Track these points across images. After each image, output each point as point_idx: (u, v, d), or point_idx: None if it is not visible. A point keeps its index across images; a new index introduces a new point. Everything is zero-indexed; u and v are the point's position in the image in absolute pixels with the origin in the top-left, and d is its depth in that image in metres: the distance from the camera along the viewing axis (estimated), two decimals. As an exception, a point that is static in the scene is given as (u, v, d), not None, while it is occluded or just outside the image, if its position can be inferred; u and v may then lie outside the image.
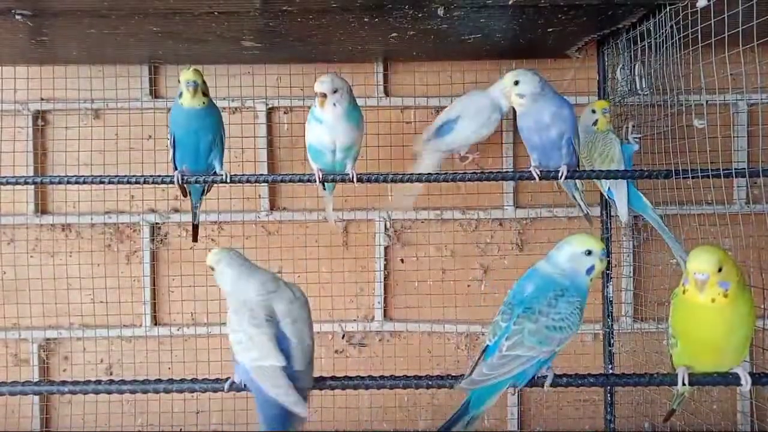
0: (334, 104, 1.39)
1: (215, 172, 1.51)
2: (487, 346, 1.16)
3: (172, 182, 1.46)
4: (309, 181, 1.45)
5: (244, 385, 1.15)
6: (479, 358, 1.15)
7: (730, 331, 1.12)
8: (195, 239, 1.70)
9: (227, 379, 1.18)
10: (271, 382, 1.11)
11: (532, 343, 1.12)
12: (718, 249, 1.11)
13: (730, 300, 1.08)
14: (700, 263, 1.08)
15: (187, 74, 1.44)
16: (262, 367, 1.12)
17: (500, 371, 1.12)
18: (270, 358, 1.11)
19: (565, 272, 1.17)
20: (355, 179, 1.42)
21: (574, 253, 1.17)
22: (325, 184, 1.50)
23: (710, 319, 1.11)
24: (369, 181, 1.45)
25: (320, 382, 1.19)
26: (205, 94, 1.47)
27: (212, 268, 1.24)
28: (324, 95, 1.38)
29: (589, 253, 1.16)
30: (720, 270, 1.08)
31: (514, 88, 1.39)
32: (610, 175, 1.45)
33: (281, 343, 1.12)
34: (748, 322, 1.12)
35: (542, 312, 1.13)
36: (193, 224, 1.68)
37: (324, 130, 1.42)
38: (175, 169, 1.50)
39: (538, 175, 1.40)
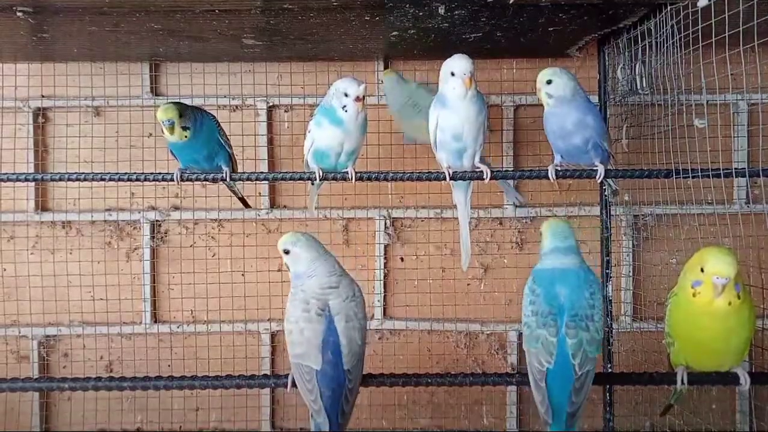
0: (361, 110, 1.38)
1: (220, 167, 1.51)
2: (548, 369, 1.08)
3: (172, 180, 1.46)
4: (309, 179, 1.45)
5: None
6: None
7: (737, 333, 1.12)
8: (247, 205, 1.77)
9: (228, 376, 1.18)
10: (304, 384, 1.11)
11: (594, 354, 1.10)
12: (731, 250, 1.09)
13: (741, 302, 1.08)
14: (723, 267, 1.06)
15: (160, 113, 1.41)
16: (300, 365, 1.12)
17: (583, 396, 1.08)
18: (309, 359, 1.11)
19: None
20: (354, 178, 1.42)
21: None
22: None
23: (723, 323, 1.10)
24: (368, 179, 1.45)
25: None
26: (186, 127, 1.42)
27: (286, 252, 1.20)
28: (363, 99, 1.37)
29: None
30: (737, 273, 1.06)
31: (546, 86, 1.37)
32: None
33: (329, 340, 1.12)
34: (751, 323, 1.13)
35: (589, 316, 1.10)
36: (238, 197, 1.72)
37: (339, 133, 1.39)
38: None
39: (554, 175, 1.39)
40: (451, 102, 1.35)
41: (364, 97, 1.37)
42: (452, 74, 1.33)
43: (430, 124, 1.40)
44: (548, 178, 1.40)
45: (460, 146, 1.37)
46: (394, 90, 1.67)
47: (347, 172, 1.42)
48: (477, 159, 1.40)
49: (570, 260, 1.17)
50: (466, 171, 1.40)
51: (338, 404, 1.11)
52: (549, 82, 1.37)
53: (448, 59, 1.36)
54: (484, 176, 1.38)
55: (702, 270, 1.08)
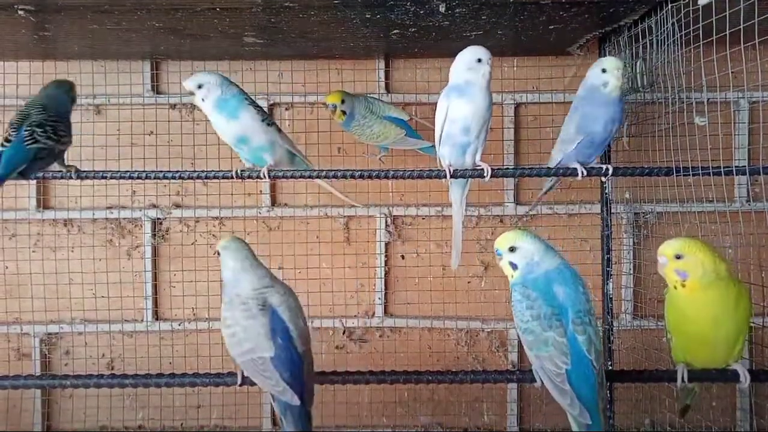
0: (202, 99, 1.42)
1: None
2: (567, 370, 1.06)
3: (174, 177, 1.46)
4: (304, 177, 1.45)
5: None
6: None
7: (709, 322, 1.13)
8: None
9: (229, 374, 1.19)
10: (261, 374, 1.12)
11: (600, 348, 1.10)
12: (689, 240, 1.12)
13: (689, 290, 1.11)
14: (662, 247, 1.13)
15: None
16: (252, 359, 1.13)
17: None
18: (261, 350, 1.12)
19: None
20: (356, 176, 1.41)
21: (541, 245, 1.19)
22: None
23: (677, 305, 1.15)
24: (369, 177, 1.45)
25: (321, 377, 1.20)
26: None
27: (218, 253, 1.25)
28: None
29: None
30: (678, 258, 1.10)
31: (617, 72, 1.37)
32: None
33: (277, 328, 1.14)
34: (733, 317, 1.12)
35: (588, 311, 1.10)
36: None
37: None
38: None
39: (583, 172, 1.39)
40: (472, 89, 1.32)
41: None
42: (479, 60, 1.31)
43: (437, 115, 1.38)
44: (548, 176, 1.40)
45: (466, 141, 1.36)
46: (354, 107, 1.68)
47: (349, 171, 1.41)
48: (478, 157, 1.39)
49: (558, 258, 1.17)
50: (467, 169, 1.40)
51: (301, 381, 1.12)
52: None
53: (468, 48, 1.34)
54: (485, 173, 1.38)
55: None
